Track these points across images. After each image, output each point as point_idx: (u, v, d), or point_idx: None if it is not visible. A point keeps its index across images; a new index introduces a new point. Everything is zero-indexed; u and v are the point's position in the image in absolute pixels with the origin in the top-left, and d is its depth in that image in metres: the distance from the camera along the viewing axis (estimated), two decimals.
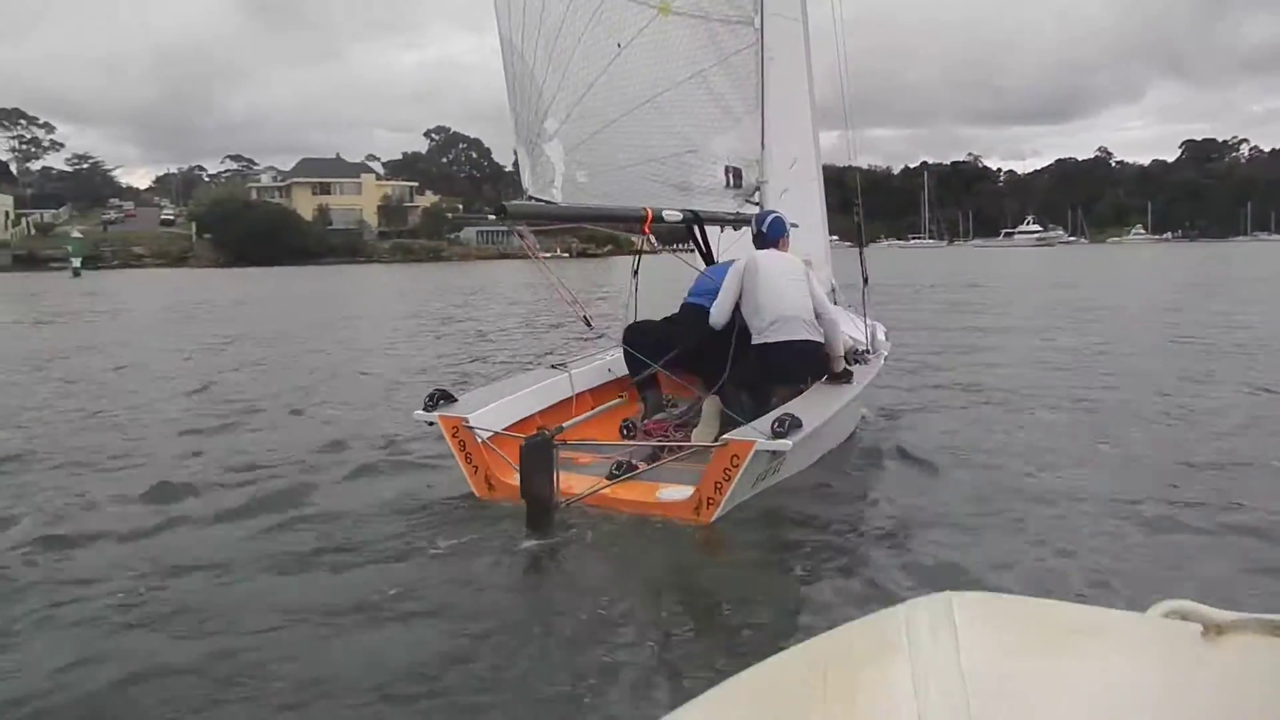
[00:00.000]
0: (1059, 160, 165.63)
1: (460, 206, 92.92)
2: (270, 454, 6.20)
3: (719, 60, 6.95)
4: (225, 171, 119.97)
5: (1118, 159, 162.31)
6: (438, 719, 2.84)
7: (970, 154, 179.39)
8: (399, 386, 9.18)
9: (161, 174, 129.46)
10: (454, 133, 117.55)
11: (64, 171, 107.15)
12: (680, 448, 5.14)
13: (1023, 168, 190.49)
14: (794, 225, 6.26)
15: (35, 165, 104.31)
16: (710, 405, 5.56)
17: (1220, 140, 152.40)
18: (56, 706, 2.89)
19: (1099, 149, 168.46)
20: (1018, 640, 0.95)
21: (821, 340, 5.48)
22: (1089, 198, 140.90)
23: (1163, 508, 4.80)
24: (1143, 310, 17.96)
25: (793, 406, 4.79)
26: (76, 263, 51.80)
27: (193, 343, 14.53)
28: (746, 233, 6.30)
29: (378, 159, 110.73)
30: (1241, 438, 6.35)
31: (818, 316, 5.54)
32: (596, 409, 6.19)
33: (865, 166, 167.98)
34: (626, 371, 6.18)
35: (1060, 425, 6.85)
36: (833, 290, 7.89)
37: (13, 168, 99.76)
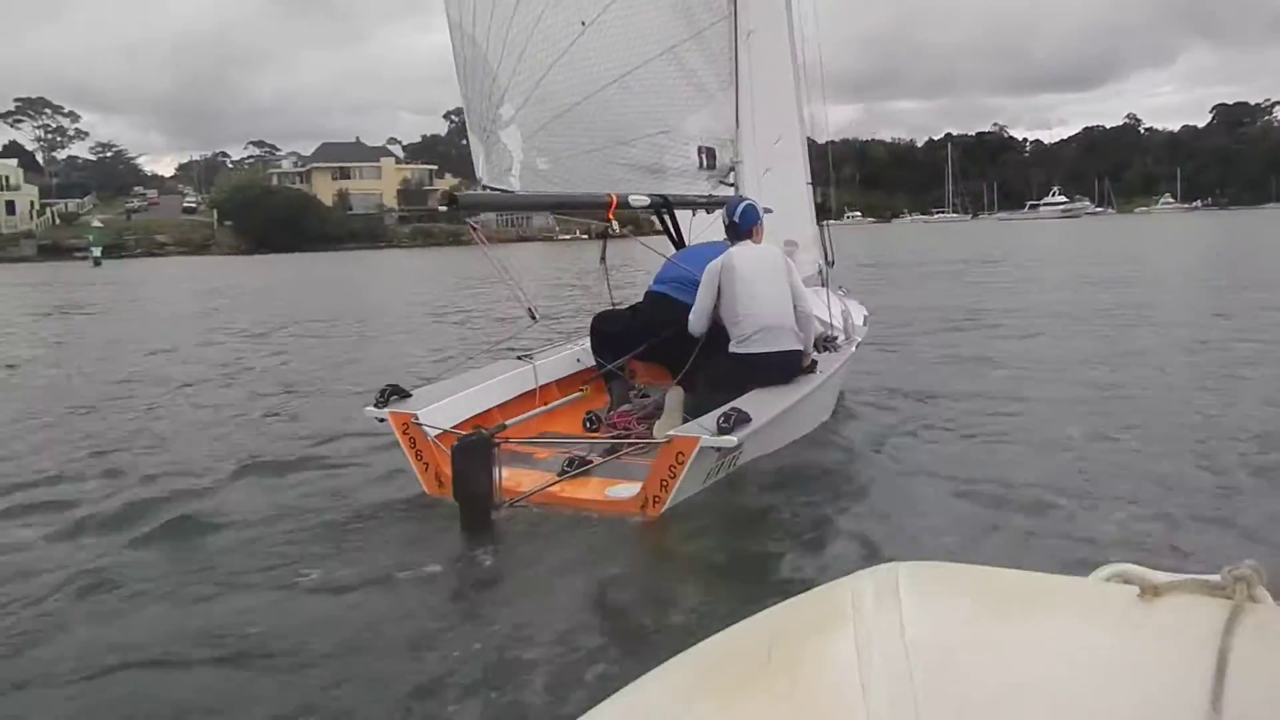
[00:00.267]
0: (1086, 129, 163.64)
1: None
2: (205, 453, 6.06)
3: (692, 35, 6.71)
4: (249, 158, 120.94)
5: (1147, 125, 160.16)
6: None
7: (995, 124, 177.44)
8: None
9: (185, 161, 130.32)
10: None
11: (88, 160, 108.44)
12: (631, 443, 4.97)
13: (1049, 137, 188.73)
14: (767, 210, 5.97)
15: (61, 154, 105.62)
16: (673, 397, 5.36)
17: (1253, 104, 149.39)
18: None
19: (1128, 116, 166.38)
20: (962, 608, 0.97)
21: (801, 348, 5.27)
22: (1117, 166, 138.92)
23: (1137, 478, 4.76)
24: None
25: (744, 400, 4.60)
26: (97, 252, 52.22)
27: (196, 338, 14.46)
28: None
29: (399, 142, 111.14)
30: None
31: (797, 314, 5.35)
32: (557, 401, 6.02)
33: (889, 139, 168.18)
34: (595, 362, 6.01)
35: (1044, 412, 6.60)
36: (820, 272, 7.67)
37: (39, 157, 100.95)
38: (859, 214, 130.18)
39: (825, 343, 5.91)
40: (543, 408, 5.82)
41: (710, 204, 6.57)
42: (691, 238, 6.75)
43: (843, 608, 0.97)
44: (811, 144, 8.33)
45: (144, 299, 24.68)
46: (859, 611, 0.95)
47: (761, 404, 4.64)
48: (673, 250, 6.52)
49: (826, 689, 0.89)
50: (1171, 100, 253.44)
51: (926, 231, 79.18)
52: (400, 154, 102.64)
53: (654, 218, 6.77)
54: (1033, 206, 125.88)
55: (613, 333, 5.81)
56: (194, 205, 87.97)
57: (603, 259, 6.77)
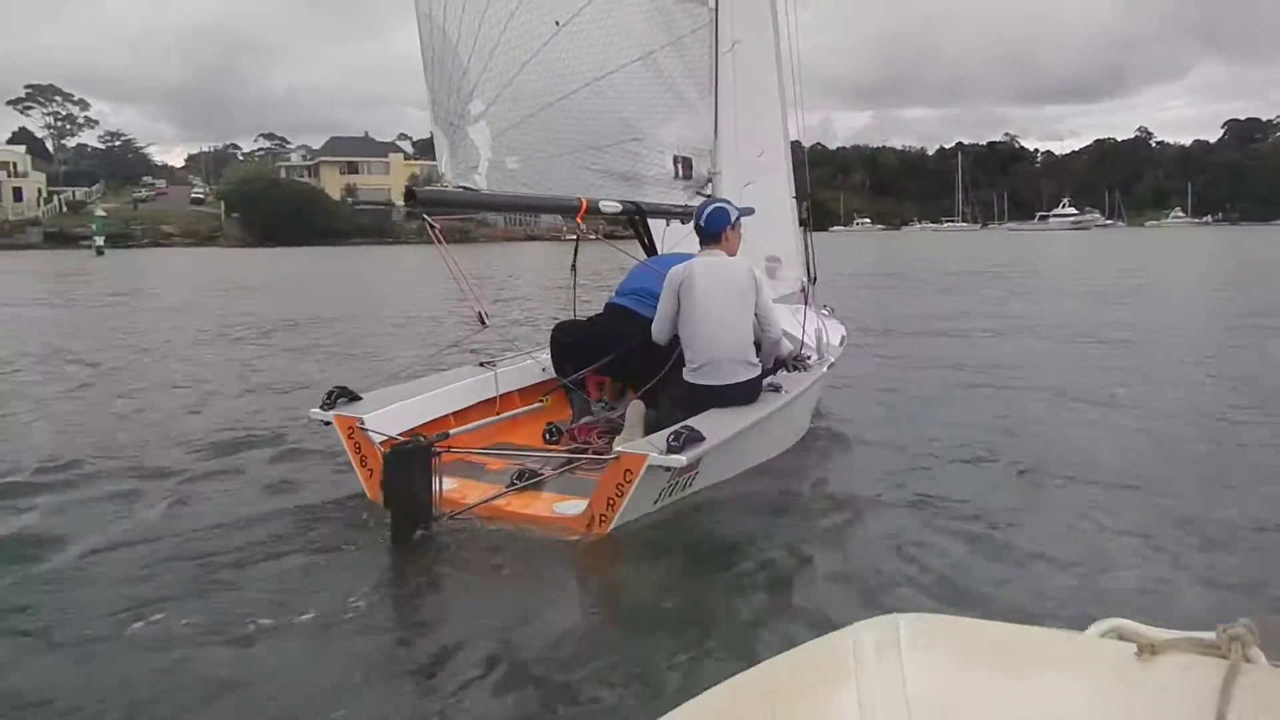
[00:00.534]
0: (1097, 140, 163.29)
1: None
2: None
3: (671, 41, 6.55)
4: (259, 150, 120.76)
5: (1158, 139, 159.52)
6: None
7: (1007, 134, 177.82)
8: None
9: (195, 152, 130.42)
10: None
11: (97, 149, 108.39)
12: (583, 458, 4.80)
13: (1060, 148, 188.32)
14: (747, 212, 5.72)
15: (70, 142, 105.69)
16: (634, 412, 5.18)
17: (1265, 120, 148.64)
18: None
19: (1139, 129, 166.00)
20: (961, 662, 0.97)
21: (756, 375, 5.02)
22: (1128, 179, 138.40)
23: (1120, 520, 4.45)
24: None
25: (699, 420, 4.43)
26: (100, 241, 52.20)
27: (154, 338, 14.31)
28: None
29: (409, 137, 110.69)
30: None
31: (760, 340, 5.14)
32: (514, 411, 5.84)
33: (899, 147, 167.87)
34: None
35: (1037, 438, 6.40)
36: (803, 289, 7.45)
37: (48, 144, 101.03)
38: (869, 220, 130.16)
39: (795, 361, 5.72)
40: (494, 417, 5.64)
41: (685, 214, 6.39)
42: (664, 247, 6.58)
43: (844, 661, 0.98)
44: (797, 154, 8.13)
45: (134, 291, 24.45)
46: (860, 665, 0.96)
47: (717, 424, 4.46)
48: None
49: None
50: (1183, 114, 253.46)
51: (936, 240, 78.77)
52: (409, 150, 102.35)
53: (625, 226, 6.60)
54: (1042, 218, 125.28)
55: (569, 344, 5.64)
56: (202, 196, 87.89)
57: (573, 266, 6.60)
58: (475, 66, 5.77)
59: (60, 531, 4.25)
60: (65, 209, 75.12)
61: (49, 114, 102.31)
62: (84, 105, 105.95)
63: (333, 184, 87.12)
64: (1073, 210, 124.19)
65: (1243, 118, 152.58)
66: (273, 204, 73.77)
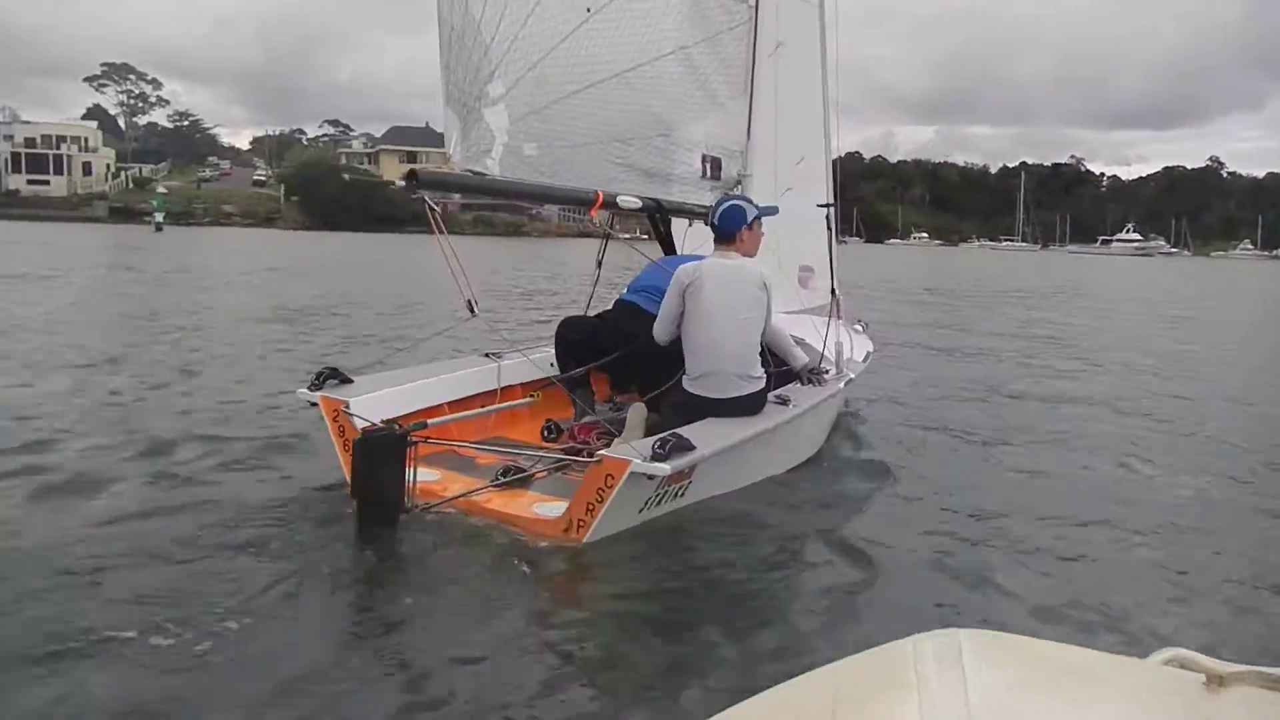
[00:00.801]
0: (1166, 168, 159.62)
1: None
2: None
3: (706, 37, 6.35)
4: (323, 136, 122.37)
5: (1230, 170, 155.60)
6: None
7: (1073, 156, 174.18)
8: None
9: (260, 135, 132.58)
10: None
11: (166, 128, 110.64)
12: (574, 460, 4.59)
13: (1127, 174, 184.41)
14: (769, 211, 5.44)
15: (141, 120, 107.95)
16: (635, 414, 4.98)
17: None
18: None
19: (1210, 158, 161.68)
20: (1025, 680, 0.96)
21: (759, 389, 4.79)
22: (1196, 208, 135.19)
23: (1166, 549, 4.31)
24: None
25: (693, 428, 4.21)
26: (159, 217, 53.01)
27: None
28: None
29: None
30: None
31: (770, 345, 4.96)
32: (505, 404, 5.64)
33: (962, 163, 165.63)
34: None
35: (1073, 458, 6.09)
36: (834, 300, 7.16)
37: (120, 121, 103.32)
38: (926, 235, 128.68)
39: (812, 374, 5.46)
40: (482, 409, 5.44)
41: (707, 215, 6.16)
42: (685, 248, 6.37)
43: (904, 671, 0.97)
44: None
45: (180, 269, 24.76)
46: (922, 677, 0.94)
47: (712, 434, 4.24)
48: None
49: None
50: (1258, 145, 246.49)
51: (993, 259, 77.30)
52: None
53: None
54: (1105, 241, 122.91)
55: (574, 340, 5.45)
56: (264, 178, 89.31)
57: (599, 262, 6.43)
58: (498, 47, 5.58)
59: (28, 516, 4.13)
60: (131, 185, 76.67)
61: (122, 91, 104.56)
62: (157, 84, 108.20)
63: (392, 172, 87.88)
64: (1137, 236, 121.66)
65: None
66: (331, 189, 74.69)
